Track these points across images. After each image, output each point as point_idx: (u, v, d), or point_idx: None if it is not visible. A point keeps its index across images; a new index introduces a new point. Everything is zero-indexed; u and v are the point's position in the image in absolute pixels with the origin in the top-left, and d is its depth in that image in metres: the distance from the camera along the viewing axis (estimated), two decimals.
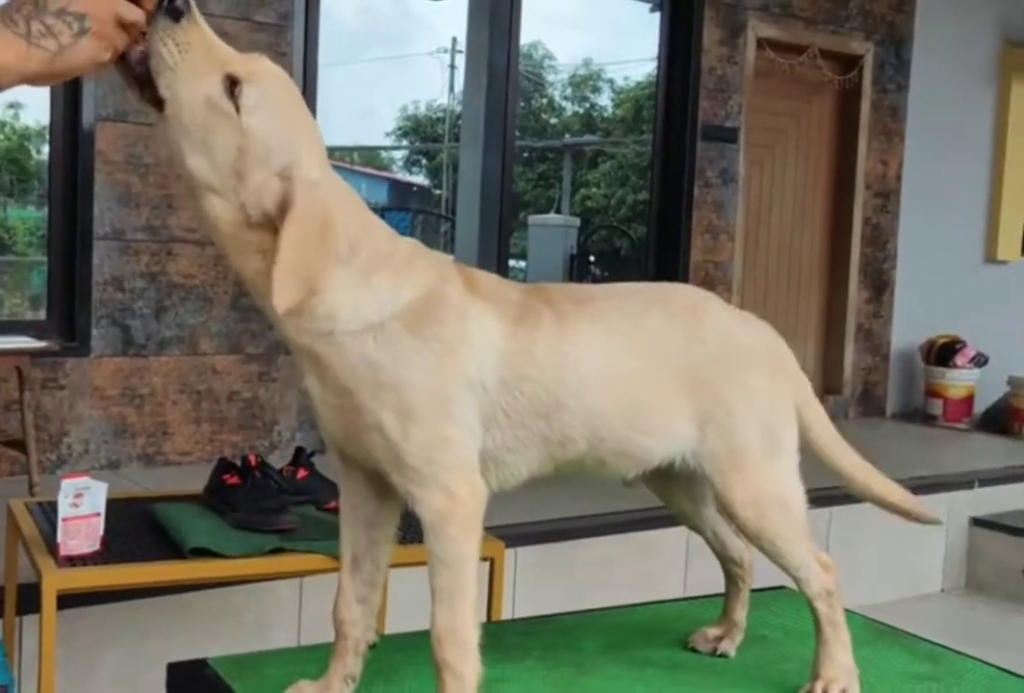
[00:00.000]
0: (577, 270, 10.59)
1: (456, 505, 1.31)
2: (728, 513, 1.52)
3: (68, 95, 4.31)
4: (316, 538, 2.43)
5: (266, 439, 4.79)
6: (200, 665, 1.52)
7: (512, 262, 11.86)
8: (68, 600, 2.31)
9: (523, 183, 16.43)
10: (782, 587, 1.97)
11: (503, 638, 1.68)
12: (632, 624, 1.76)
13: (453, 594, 1.32)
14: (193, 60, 1.20)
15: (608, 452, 1.45)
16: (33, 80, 1.11)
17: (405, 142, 18.34)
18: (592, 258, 12.75)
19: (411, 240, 1.40)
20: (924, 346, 6.97)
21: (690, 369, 1.47)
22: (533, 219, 10.96)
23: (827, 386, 6.92)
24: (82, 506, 2.32)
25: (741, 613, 1.68)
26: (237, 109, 1.21)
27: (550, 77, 19.18)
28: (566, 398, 1.39)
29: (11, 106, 9.37)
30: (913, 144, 7.02)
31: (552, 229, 10.68)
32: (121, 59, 1.18)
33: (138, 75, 1.21)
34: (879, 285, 7.01)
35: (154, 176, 4.44)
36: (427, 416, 1.30)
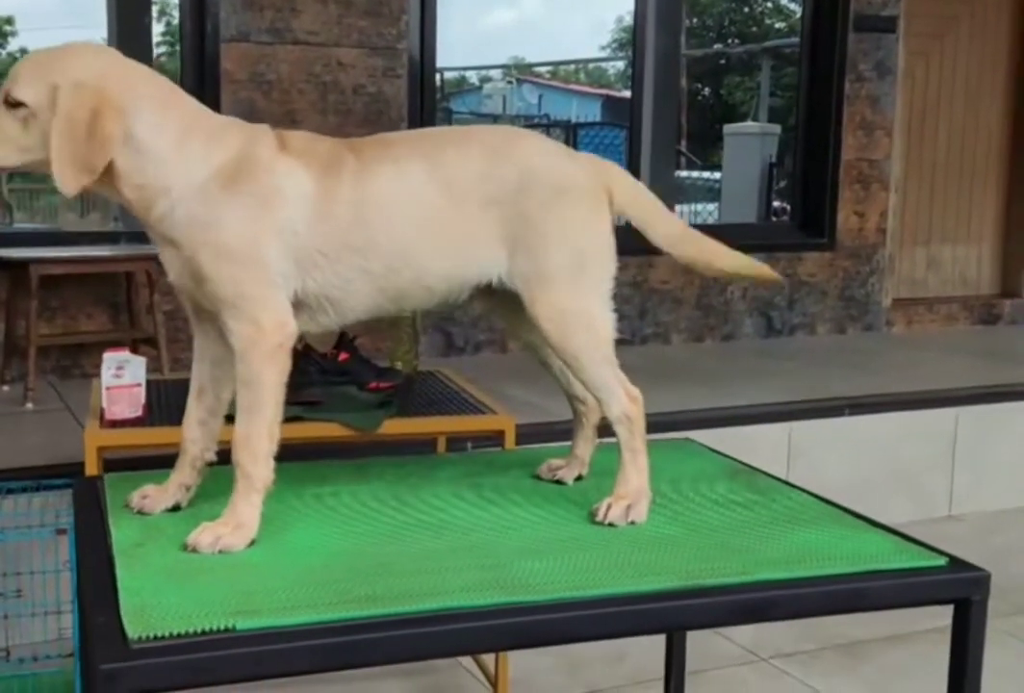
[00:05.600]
0: (777, 179, 10.26)
1: (260, 336, 1.52)
2: (536, 328, 1.62)
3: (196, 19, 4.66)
4: (338, 411, 2.65)
5: None
6: (97, 479, 1.79)
7: (707, 173, 11.65)
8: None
9: (740, 93, 15.92)
10: (687, 439, 2.04)
11: (370, 470, 1.85)
12: (490, 461, 1.90)
13: (251, 409, 1.53)
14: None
15: (430, 278, 1.60)
16: None
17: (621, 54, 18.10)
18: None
19: (230, 117, 1.60)
20: None
21: (491, 199, 1.58)
22: (728, 128, 10.67)
23: (1004, 289, 6.57)
24: (124, 377, 2.64)
25: (584, 448, 1.79)
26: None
27: None
28: (374, 232, 1.55)
29: None
30: None
31: (748, 137, 10.39)
32: None
33: None
34: None
35: (276, 92, 4.73)
36: (239, 257, 1.51)
